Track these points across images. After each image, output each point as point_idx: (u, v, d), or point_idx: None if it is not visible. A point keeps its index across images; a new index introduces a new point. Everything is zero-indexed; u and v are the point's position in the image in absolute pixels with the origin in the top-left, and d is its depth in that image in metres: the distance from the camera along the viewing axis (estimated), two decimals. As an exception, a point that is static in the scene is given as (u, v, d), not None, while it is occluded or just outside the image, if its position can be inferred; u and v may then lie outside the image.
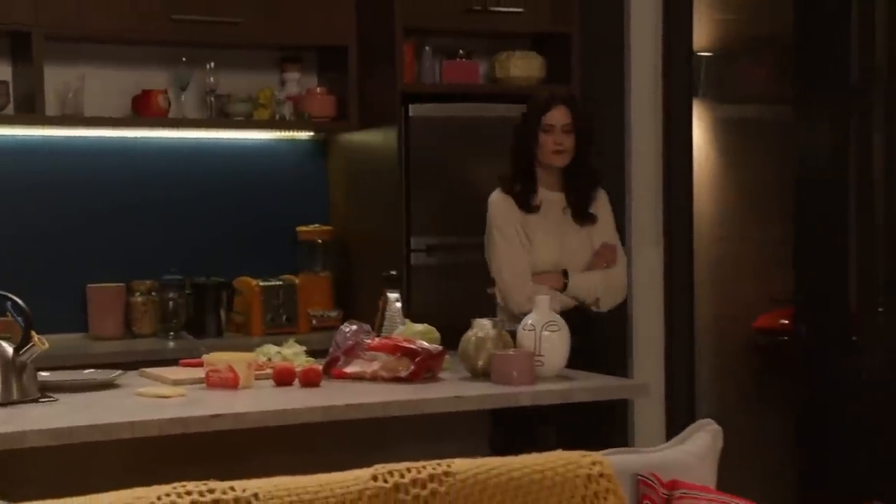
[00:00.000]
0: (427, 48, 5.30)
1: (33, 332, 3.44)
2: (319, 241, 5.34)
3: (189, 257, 5.23)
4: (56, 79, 4.91)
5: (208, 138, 5.36)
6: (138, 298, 5.10)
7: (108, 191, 5.20)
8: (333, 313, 5.18)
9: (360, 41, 5.19)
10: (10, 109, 4.88)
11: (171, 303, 5.10)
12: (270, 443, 3.35)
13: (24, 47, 4.82)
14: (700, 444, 3.10)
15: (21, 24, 4.76)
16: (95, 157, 5.19)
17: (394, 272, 4.17)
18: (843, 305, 4.52)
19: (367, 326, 3.89)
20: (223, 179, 5.37)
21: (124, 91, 5.11)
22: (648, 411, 5.13)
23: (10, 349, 3.40)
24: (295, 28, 5.13)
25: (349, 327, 3.84)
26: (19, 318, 3.56)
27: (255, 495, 2.66)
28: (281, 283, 5.20)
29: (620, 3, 5.18)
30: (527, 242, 4.35)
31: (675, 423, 5.13)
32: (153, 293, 5.12)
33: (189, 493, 2.62)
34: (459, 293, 4.94)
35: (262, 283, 5.15)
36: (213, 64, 5.15)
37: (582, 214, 4.37)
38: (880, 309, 4.43)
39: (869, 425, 4.39)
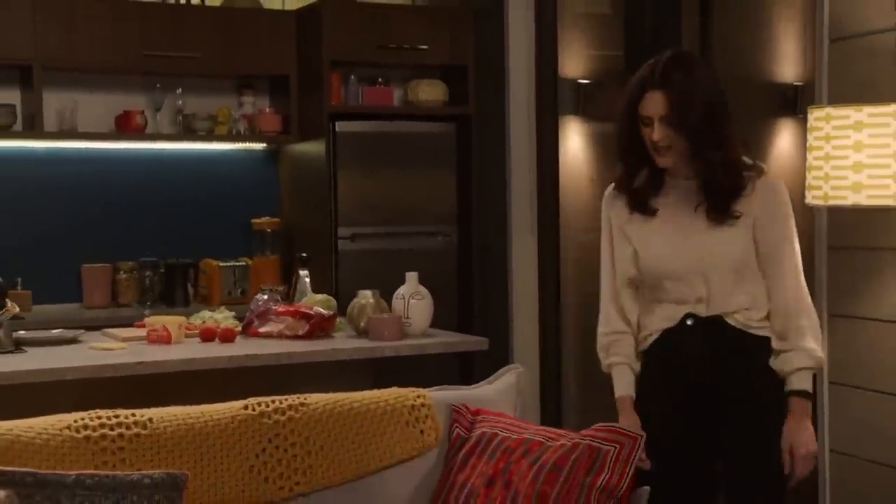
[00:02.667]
0: (352, 77, 5.44)
1: (7, 300, 3.68)
2: (269, 230, 5.49)
3: (163, 243, 5.38)
4: (54, 101, 5.05)
5: (178, 149, 5.48)
6: (122, 276, 5.27)
7: (97, 191, 5.35)
8: (280, 288, 5.36)
9: (299, 71, 5.36)
10: (17, 126, 5.04)
11: (147, 279, 5.22)
12: (191, 387, 3.49)
13: (27, 77, 5.01)
14: (505, 383, 3.33)
15: (24, 59, 4.94)
16: (87, 164, 5.32)
17: (304, 254, 4.41)
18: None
19: (276, 296, 4.17)
20: (191, 182, 5.50)
21: (109, 111, 5.25)
22: (525, 356, 5.28)
23: (-11, 312, 3.64)
24: (247, 61, 5.31)
25: (262, 296, 4.10)
26: (-4, 290, 3.80)
27: (150, 419, 2.93)
28: (237, 263, 5.36)
29: (503, 41, 5.33)
30: (628, 253, 2.99)
31: (547, 383, 5.33)
32: (134, 271, 5.27)
33: (99, 417, 2.90)
34: (377, 272, 4.98)
35: (221, 264, 5.32)
36: (181, 90, 5.34)
37: (718, 213, 2.84)
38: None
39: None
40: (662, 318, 2.98)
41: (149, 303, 5.19)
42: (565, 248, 5.27)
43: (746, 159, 2.89)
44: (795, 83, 5.07)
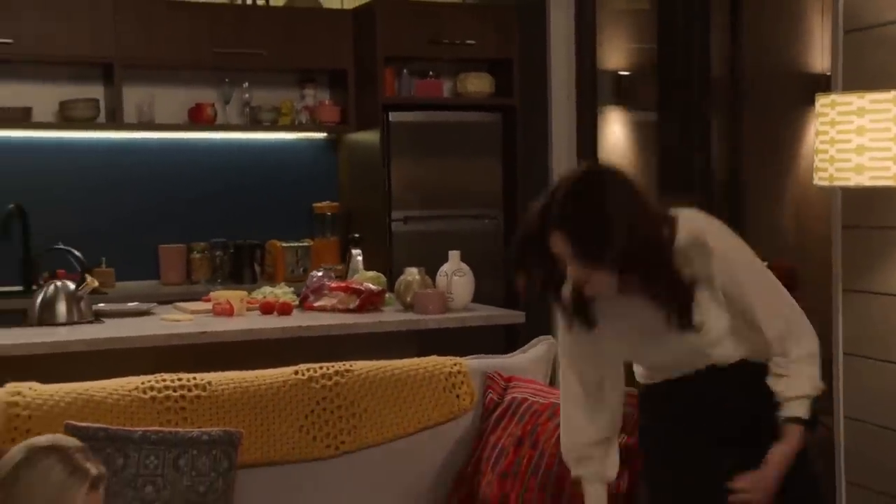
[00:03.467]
0: (404, 70, 5.48)
1: (87, 275, 3.83)
2: (329, 213, 5.57)
3: (232, 225, 5.47)
4: (133, 96, 5.16)
5: (245, 139, 5.57)
6: (195, 255, 5.37)
7: (173, 178, 5.44)
8: (338, 267, 5.46)
9: (356, 66, 5.43)
10: (100, 119, 5.15)
11: (218, 258, 5.38)
12: (250, 356, 3.49)
13: (109, 74, 5.14)
14: (536, 353, 3.40)
15: (107, 58, 5.06)
16: (163, 153, 5.43)
17: (357, 235, 4.50)
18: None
19: (331, 273, 4.26)
20: (257, 169, 5.58)
21: (183, 104, 5.34)
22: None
23: (72, 286, 3.76)
24: (307, 57, 5.39)
25: (317, 273, 4.20)
26: (77, 266, 3.95)
27: (209, 382, 3.05)
28: (299, 244, 5.44)
29: (545, 36, 5.35)
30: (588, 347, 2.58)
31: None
32: (206, 251, 5.38)
33: (164, 380, 3.02)
34: (427, 252, 4.89)
35: (285, 245, 5.40)
36: (248, 84, 5.44)
37: (682, 323, 2.39)
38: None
39: None
40: (658, 372, 2.58)
41: (219, 280, 5.34)
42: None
43: (665, 227, 2.37)
44: (826, 73, 5.04)
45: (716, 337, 2.44)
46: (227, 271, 5.40)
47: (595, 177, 2.38)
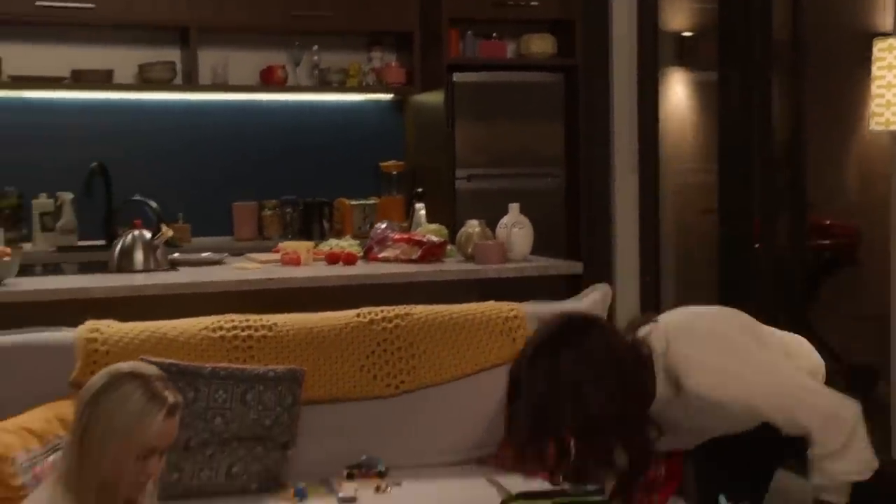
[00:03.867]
0: (469, 32, 5.47)
1: (162, 225, 3.91)
2: (395, 172, 5.58)
3: (302, 183, 5.51)
4: (208, 59, 5.22)
5: (315, 100, 5.60)
6: (267, 212, 5.43)
7: (246, 137, 5.50)
8: (404, 224, 5.48)
9: (421, 28, 5.43)
10: (177, 81, 5.24)
11: (288, 215, 5.44)
12: (314, 304, 3.42)
13: (185, 38, 5.20)
14: (591, 299, 3.41)
15: (183, 22, 5.13)
16: (236, 114, 5.49)
17: (420, 189, 4.50)
18: (748, 215, 4.65)
19: (394, 225, 4.28)
20: (326, 129, 5.61)
21: (255, 66, 5.39)
22: (628, 296, 5.32)
23: (148, 235, 3.83)
24: (375, 20, 5.40)
25: (381, 225, 4.22)
26: (152, 216, 4.02)
27: (275, 323, 3.11)
28: (366, 202, 5.47)
29: None
30: None
31: (647, 303, 5.34)
32: (277, 209, 5.43)
33: (232, 321, 3.09)
34: (491, 209, 4.89)
35: (352, 202, 5.43)
36: (317, 46, 5.46)
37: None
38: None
39: (768, 298, 4.53)
40: None
41: (289, 236, 5.38)
42: (664, 185, 5.25)
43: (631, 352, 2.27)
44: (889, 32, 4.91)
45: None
46: (297, 228, 5.46)
47: (557, 336, 2.32)
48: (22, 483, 2.45)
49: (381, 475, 2.94)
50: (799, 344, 2.56)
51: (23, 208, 5.10)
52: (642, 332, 2.34)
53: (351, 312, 3.18)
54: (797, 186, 4.78)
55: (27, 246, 4.99)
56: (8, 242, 4.66)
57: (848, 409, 2.21)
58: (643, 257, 5.29)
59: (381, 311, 3.19)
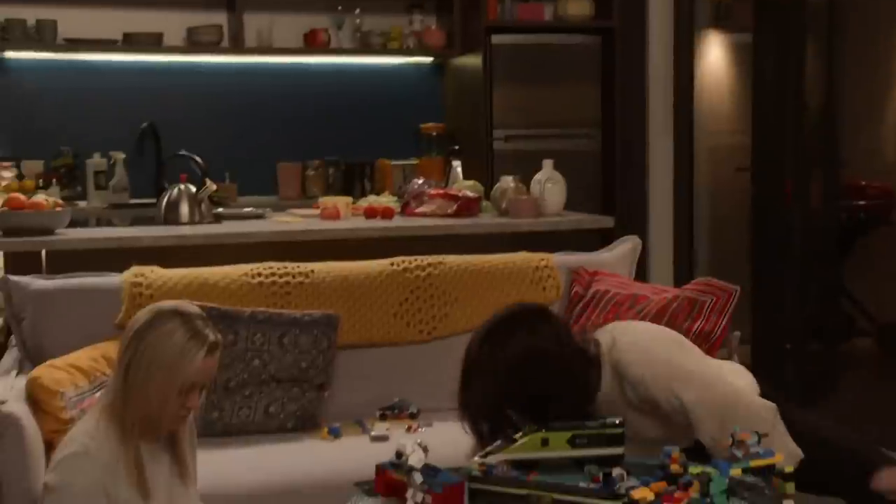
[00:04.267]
0: None
1: (206, 179, 3.95)
2: (434, 133, 5.54)
3: (344, 144, 5.51)
4: (253, 22, 5.22)
5: (357, 63, 5.58)
6: (310, 172, 5.42)
7: (290, 99, 5.48)
8: (443, 183, 5.51)
9: (461, -9, 5.41)
10: (224, 44, 5.24)
11: (331, 175, 5.44)
12: (352, 255, 3.45)
13: (232, 2, 5.20)
14: (622, 250, 3.40)
15: None
16: (280, 76, 5.47)
17: (456, 147, 4.51)
18: (781, 175, 4.59)
19: (431, 182, 4.28)
20: (368, 91, 5.59)
21: (299, 30, 5.36)
22: (662, 253, 5.30)
23: (193, 189, 3.86)
24: None
25: (417, 181, 4.24)
26: (198, 171, 4.05)
27: (312, 270, 3.15)
28: (406, 162, 5.45)
29: None
30: None
31: (681, 259, 5.30)
32: (320, 169, 5.42)
33: (270, 267, 3.13)
34: (527, 168, 4.80)
35: (393, 163, 5.43)
36: (359, 10, 5.44)
37: None
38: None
39: (800, 256, 4.49)
40: None
41: (332, 195, 5.36)
42: (699, 145, 5.20)
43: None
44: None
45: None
46: (339, 187, 5.47)
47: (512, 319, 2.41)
48: (70, 417, 2.51)
49: (412, 416, 2.97)
50: (735, 366, 2.62)
51: (77, 167, 5.17)
52: (591, 332, 2.48)
53: (385, 261, 3.20)
54: (831, 147, 4.70)
55: (82, 203, 5.06)
56: (63, 200, 4.73)
57: (769, 408, 2.29)
58: (677, 215, 5.25)
59: (415, 260, 3.21)
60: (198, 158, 4.10)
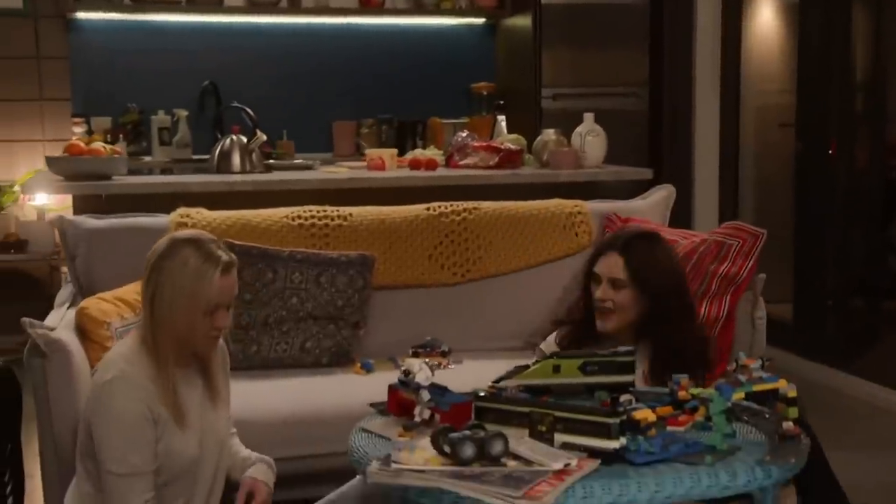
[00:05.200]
0: None
1: (257, 130, 3.98)
2: (485, 93, 5.51)
3: (397, 103, 5.51)
4: None
5: (411, 23, 5.56)
6: (364, 130, 5.46)
7: (345, 59, 5.49)
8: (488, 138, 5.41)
9: (512, -46, 5.36)
10: (283, 4, 5.26)
11: (384, 133, 5.46)
12: (396, 202, 3.39)
13: (289, -37, 5.27)
14: (655, 198, 3.36)
15: None
16: (337, 37, 5.48)
17: (501, 101, 4.47)
18: (826, 133, 4.46)
19: (474, 135, 4.26)
20: (421, 51, 5.57)
21: None
22: (707, 201, 5.21)
23: (244, 139, 3.88)
24: None
25: (461, 134, 4.22)
26: (249, 123, 4.09)
27: (350, 214, 3.16)
28: (457, 121, 5.39)
29: None
30: None
31: (725, 204, 5.20)
32: (373, 127, 5.45)
33: (310, 210, 3.15)
34: (574, 124, 4.65)
35: (444, 121, 5.40)
36: (417, -29, 5.45)
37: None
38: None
39: (843, 213, 4.37)
40: None
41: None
42: (746, 104, 5.08)
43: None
44: None
45: None
46: (392, 144, 5.45)
47: (655, 233, 2.56)
48: (116, 347, 2.57)
49: (443, 355, 2.98)
50: None
51: (143, 124, 5.26)
52: None
53: (421, 206, 3.21)
54: (876, 106, 4.54)
55: (147, 158, 5.15)
56: (129, 155, 4.83)
57: None
58: (723, 174, 5.15)
59: (451, 206, 3.21)
60: (249, 111, 4.13)
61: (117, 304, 2.71)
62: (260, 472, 2.27)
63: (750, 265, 2.73)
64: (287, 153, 5.20)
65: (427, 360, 2.90)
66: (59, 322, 2.61)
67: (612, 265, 2.41)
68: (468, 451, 1.58)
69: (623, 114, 5.22)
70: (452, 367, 2.89)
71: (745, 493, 1.70)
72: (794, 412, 1.79)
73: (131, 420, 2.06)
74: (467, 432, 1.62)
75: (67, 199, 4.11)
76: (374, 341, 3.01)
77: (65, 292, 2.97)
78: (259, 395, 2.68)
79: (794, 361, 4.48)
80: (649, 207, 3.29)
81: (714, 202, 5.17)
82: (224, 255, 2.15)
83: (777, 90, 5.16)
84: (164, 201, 3.30)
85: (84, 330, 2.60)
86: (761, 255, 2.77)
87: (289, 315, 2.93)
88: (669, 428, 1.79)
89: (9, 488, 2.83)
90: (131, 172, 4.04)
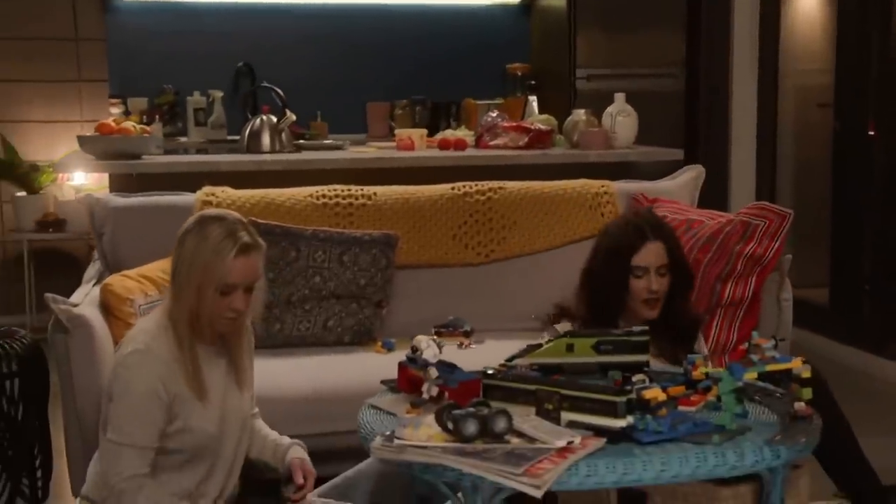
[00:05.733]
0: None
1: (287, 110, 3.99)
2: (519, 73, 5.44)
3: (431, 84, 5.47)
4: None
5: (445, 4, 5.57)
6: (398, 111, 5.42)
7: (380, 40, 5.49)
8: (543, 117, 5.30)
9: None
10: (316, -14, 5.32)
11: (417, 114, 5.41)
12: (424, 182, 3.40)
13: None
14: (684, 178, 3.31)
15: None
16: (370, 18, 5.47)
17: (533, 82, 4.44)
18: (863, 109, 4.36)
19: (504, 115, 4.23)
20: (456, 33, 5.56)
21: None
22: (743, 184, 5.14)
23: (274, 119, 3.91)
24: None
25: (491, 114, 4.20)
26: (279, 101, 4.09)
27: (375, 193, 3.16)
28: (492, 101, 5.26)
29: None
30: None
31: (762, 186, 5.12)
32: (407, 108, 5.41)
33: (334, 189, 3.15)
34: (608, 104, 4.70)
35: (478, 102, 5.27)
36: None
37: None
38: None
39: (882, 195, 4.28)
40: None
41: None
42: (787, 85, 4.99)
43: None
44: None
45: None
46: (425, 125, 5.39)
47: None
48: (140, 323, 2.59)
49: (466, 334, 2.97)
50: None
51: (179, 105, 5.30)
52: None
53: (447, 186, 3.19)
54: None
55: (182, 139, 5.19)
56: (165, 136, 4.87)
57: None
58: (760, 155, 5.07)
59: (476, 185, 3.19)
60: (279, 91, 4.13)
61: (141, 282, 2.73)
62: (303, 453, 2.27)
63: (776, 246, 2.68)
64: (320, 134, 5.19)
65: (446, 340, 2.90)
66: (84, 298, 2.64)
67: (658, 254, 2.39)
68: (471, 427, 1.57)
69: (658, 95, 5.15)
70: (474, 346, 2.88)
71: (756, 474, 1.67)
72: (807, 393, 1.76)
73: (141, 394, 2.07)
74: (471, 409, 1.61)
75: (104, 179, 4.16)
76: (397, 320, 3.01)
77: (92, 270, 3.00)
78: (281, 373, 2.69)
79: (829, 346, 4.40)
80: (678, 188, 3.24)
81: (751, 184, 5.09)
82: (246, 237, 2.14)
83: (816, 69, 5.05)
84: (194, 180, 3.32)
85: (108, 306, 2.63)
86: (790, 236, 2.71)
87: (311, 294, 2.93)
88: (681, 408, 1.76)
89: (38, 461, 2.89)
90: (167, 153, 4.10)
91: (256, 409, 2.37)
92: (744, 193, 5.05)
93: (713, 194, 4.24)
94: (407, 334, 2.95)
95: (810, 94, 5.12)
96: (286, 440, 2.30)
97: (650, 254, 2.38)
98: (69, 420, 2.51)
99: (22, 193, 4.97)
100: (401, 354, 2.79)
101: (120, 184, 3.55)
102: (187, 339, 2.13)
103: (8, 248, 5.08)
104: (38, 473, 2.86)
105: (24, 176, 4.96)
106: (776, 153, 5.09)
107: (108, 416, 2.10)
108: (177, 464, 2.14)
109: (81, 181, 4.98)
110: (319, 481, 2.22)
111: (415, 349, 1.85)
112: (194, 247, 2.13)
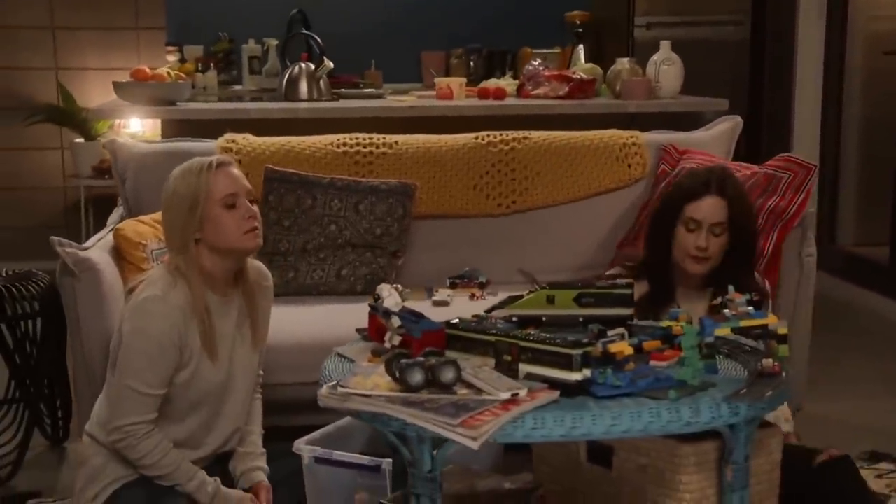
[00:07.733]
0: None
1: (324, 58, 3.97)
2: (578, 22, 5.26)
3: (488, 33, 5.44)
4: None
5: (503, -50, 5.49)
6: (453, 61, 5.40)
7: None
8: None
9: None
10: (373, -68, 5.34)
11: (473, 63, 5.40)
12: (456, 128, 3.30)
13: None
14: (719, 130, 3.19)
15: None
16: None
17: (580, 29, 4.32)
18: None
19: (546, 64, 4.15)
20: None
21: None
22: (807, 137, 4.89)
23: (312, 67, 3.91)
24: None
25: (534, 62, 4.12)
26: (317, 49, 4.07)
27: (396, 142, 3.13)
28: (549, 51, 5.16)
29: None
30: None
31: (827, 142, 4.94)
32: (462, 57, 5.40)
33: (356, 138, 3.14)
34: None
35: (534, 51, 5.18)
36: None
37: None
38: None
39: None
40: None
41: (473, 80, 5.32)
42: (856, 31, 4.76)
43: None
44: None
45: None
46: (481, 75, 5.38)
47: (732, 171, 2.48)
48: (151, 268, 2.63)
49: (480, 286, 2.94)
50: None
51: (234, 53, 5.34)
52: None
53: (470, 135, 3.14)
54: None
55: (237, 87, 5.23)
56: (220, 84, 4.92)
57: None
58: (826, 105, 4.85)
59: (500, 135, 3.13)
60: (317, 38, 4.12)
61: (155, 227, 2.76)
62: (268, 484, 2.24)
63: (801, 199, 2.57)
64: (374, 83, 5.19)
65: (458, 291, 2.88)
66: (96, 242, 2.69)
67: (716, 209, 2.25)
68: (417, 377, 1.55)
69: (720, 44, 4.98)
70: (486, 298, 2.84)
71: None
72: (784, 350, 1.68)
73: (155, 340, 2.07)
74: (420, 359, 1.59)
75: (158, 126, 4.22)
76: (413, 271, 2.99)
77: (115, 215, 3.05)
78: (290, 321, 2.70)
79: (887, 305, 4.24)
80: (712, 139, 3.12)
81: (815, 137, 4.89)
82: (216, 159, 2.21)
83: (889, 15, 4.81)
84: (222, 127, 3.34)
85: (120, 250, 2.68)
86: (814, 189, 2.60)
87: (327, 242, 2.94)
88: (652, 363, 1.71)
89: (59, 401, 2.98)
90: (221, 101, 4.13)
91: (261, 372, 2.33)
92: (807, 146, 4.85)
93: (775, 149, 4.08)
94: (423, 285, 2.97)
95: (881, 43, 4.88)
96: (260, 461, 2.26)
97: (708, 207, 2.26)
98: (77, 362, 2.57)
99: (80, 140, 5.09)
100: (408, 304, 2.81)
101: (170, 131, 3.60)
102: (199, 289, 2.13)
103: (68, 193, 5.22)
104: (60, 413, 2.96)
105: (82, 123, 5.08)
106: (842, 104, 4.88)
107: (119, 359, 2.13)
108: (180, 412, 2.16)
109: (137, 128, 5.07)
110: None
111: (377, 297, 1.83)
112: (179, 186, 2.19)
